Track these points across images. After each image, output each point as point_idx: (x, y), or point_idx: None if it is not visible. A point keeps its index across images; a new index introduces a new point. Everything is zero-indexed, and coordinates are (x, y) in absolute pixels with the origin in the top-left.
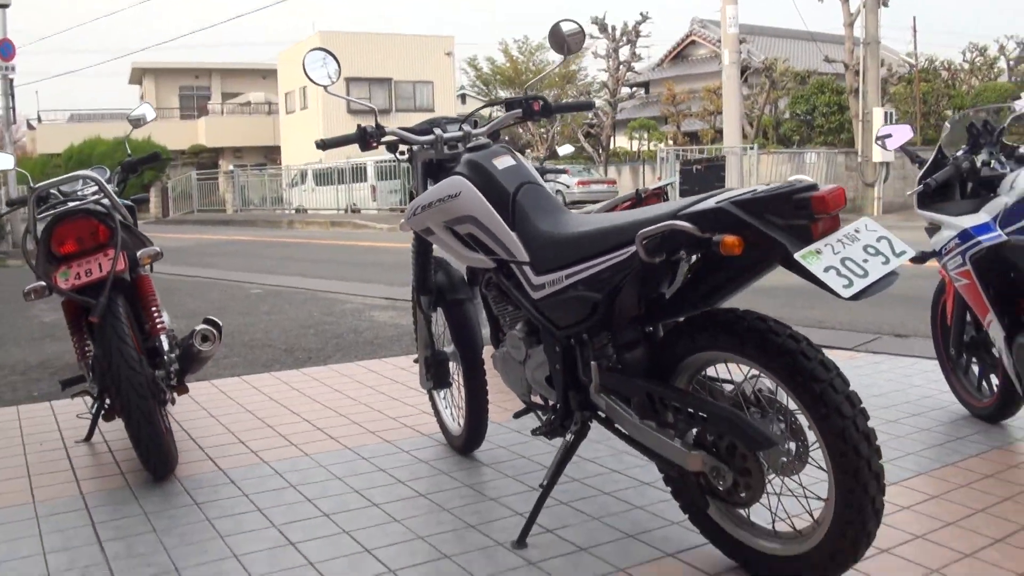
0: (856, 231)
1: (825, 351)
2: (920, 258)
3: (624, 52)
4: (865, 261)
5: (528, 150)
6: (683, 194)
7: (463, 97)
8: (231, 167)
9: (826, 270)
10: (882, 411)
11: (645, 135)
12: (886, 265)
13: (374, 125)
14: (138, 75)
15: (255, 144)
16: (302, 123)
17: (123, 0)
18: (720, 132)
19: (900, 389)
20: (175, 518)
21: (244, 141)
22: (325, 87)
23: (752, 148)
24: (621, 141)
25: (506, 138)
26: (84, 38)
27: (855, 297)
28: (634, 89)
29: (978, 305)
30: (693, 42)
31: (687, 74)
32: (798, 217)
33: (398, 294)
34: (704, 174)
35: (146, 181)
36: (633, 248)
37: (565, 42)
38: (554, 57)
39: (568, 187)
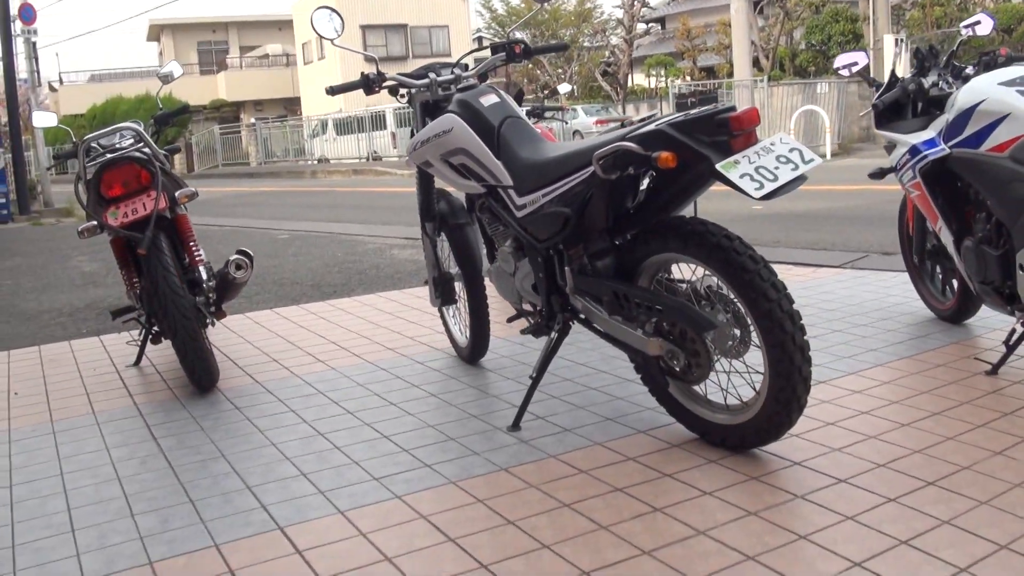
0: (771, 144)
1: (814, 268)
2: (878, 174)
3: None
4: (776, 168)
5: (520, 89)
6: None
7: (479, 40)
8: (252, 120)
9: (741, 176)
10: (857, 317)
11: (662, 72)
12: (795, 171)
13: (375, 72)
14: (155, 32)
15: (275, 96)
16: (320, 73)
17: None
18: None
19: (877, 299)
20: (219, 419)
21: (264, 94)
22: (332, 40)
23: (762, 81)
24: (639, 79)
25: (513, 83)
26: None
27: (765, 197)
28: (650, 25)
29: (929, 214)
30: None
31: (702, 7)
32: (720, 134)
33: (417, 234)
34: (698, 106)
35: (170, 138)
36: (592, 168)
37: None
38: None
39: (567, 124)
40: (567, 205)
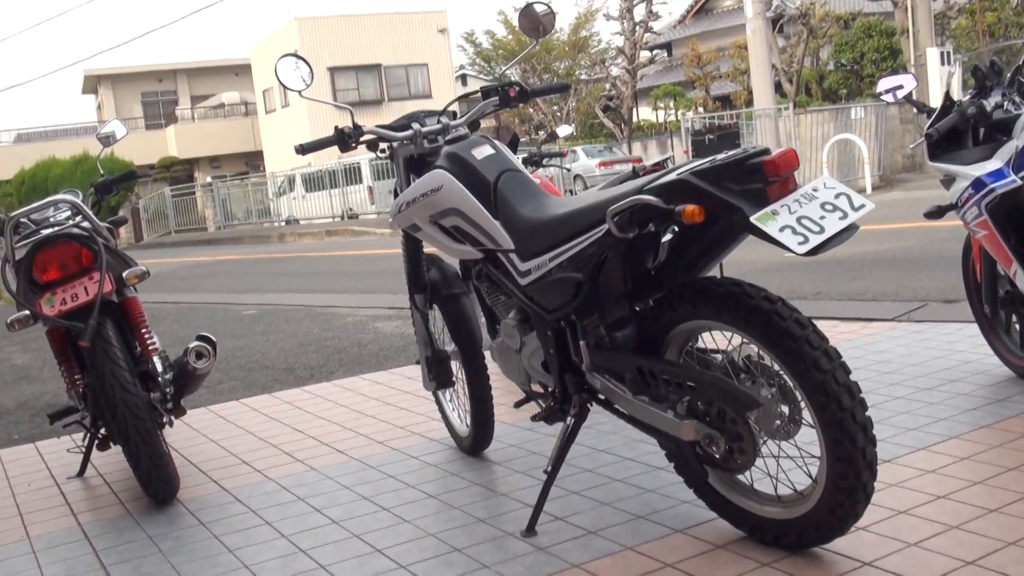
0: (814, 190)
1: (864, 323)
2: (935, 213)
3: (640, 11)
4: (822, 218)
5: (515, 135)
6: None
7: (463, 78)
8: (209, 179)
9: (781, 230)
10: (920, 380)
11: (671, 103)
12: (844, 220)
13: (351, 125)
14: (92, 84)
15: (234, 151)
16: (285, 123)
17: (70, 0)
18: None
19: (941, 356)
20: (181, 538)
21: (221, 148)
22: (300, 92)
23: (787, 108)
24: (645, 112)
25: (504, 125)
26: (27, 47)
27: (811, 252)
28: (655, 53)
29: (1001, 256)
30: None
31: (713, 29)
32: (753, 182)
33: (403, 302)
34: (717, 144)
35: (113, 205)
36: (606, 226)
37: (540, 23)
38: (560, 25)
39: (568, 169)
40: (578, 269)
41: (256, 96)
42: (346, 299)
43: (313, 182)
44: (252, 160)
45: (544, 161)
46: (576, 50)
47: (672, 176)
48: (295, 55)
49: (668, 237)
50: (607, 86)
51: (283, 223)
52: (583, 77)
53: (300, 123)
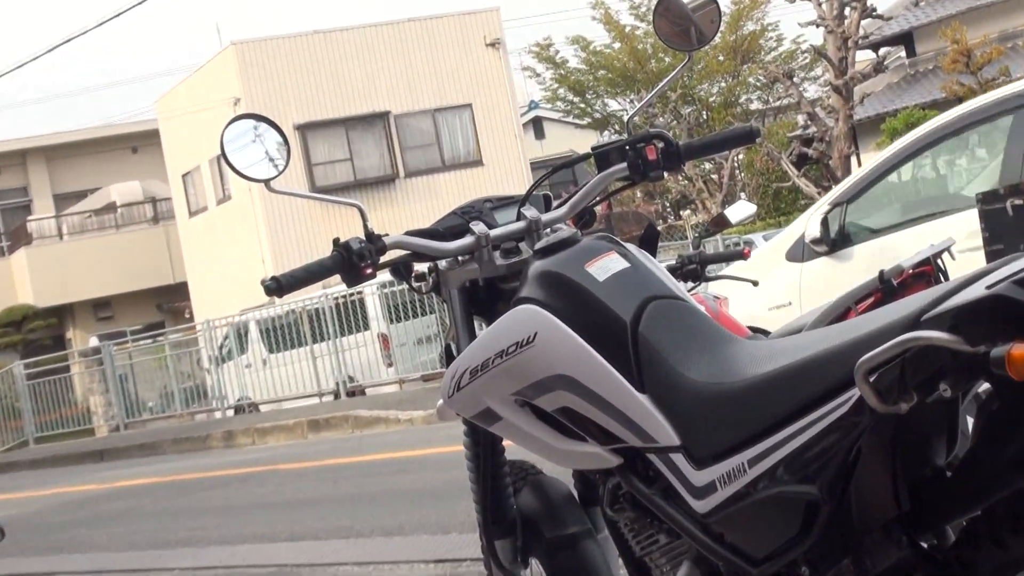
0: None
1: None
2: None
3: None
4: None
5: (651, 225)
6: (988, 258)
7: (537, 124)
8: (94, 340)
9: None
10: None
11: None
12: None
13: (363, 236)
14: None
15: (136, 287)
16: (224, 230)
17: None
18: None
19: None
20: None
21: (112, 285)
22: (268, 183)
23: None
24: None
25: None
26: None
27: None
28: (884, 53)
29: None
30: None
31: (985, 2)
32: None
33: (466, 550)
34: None
35: None
36: (855, 391)
37: (692, 24)
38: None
39: (756, 283)
40: (807, 478)
41: (172, 187)
42: (354, 547)
43: (280, 334)
44: (170, 301)
45: (708, 270)
46: (738, 58)
47: (978, 290)
48: (252, 116)
49: (974, 407)
50: (800, 119)
51: (230, 411)
52: (753, 106)
53: (252, 229)
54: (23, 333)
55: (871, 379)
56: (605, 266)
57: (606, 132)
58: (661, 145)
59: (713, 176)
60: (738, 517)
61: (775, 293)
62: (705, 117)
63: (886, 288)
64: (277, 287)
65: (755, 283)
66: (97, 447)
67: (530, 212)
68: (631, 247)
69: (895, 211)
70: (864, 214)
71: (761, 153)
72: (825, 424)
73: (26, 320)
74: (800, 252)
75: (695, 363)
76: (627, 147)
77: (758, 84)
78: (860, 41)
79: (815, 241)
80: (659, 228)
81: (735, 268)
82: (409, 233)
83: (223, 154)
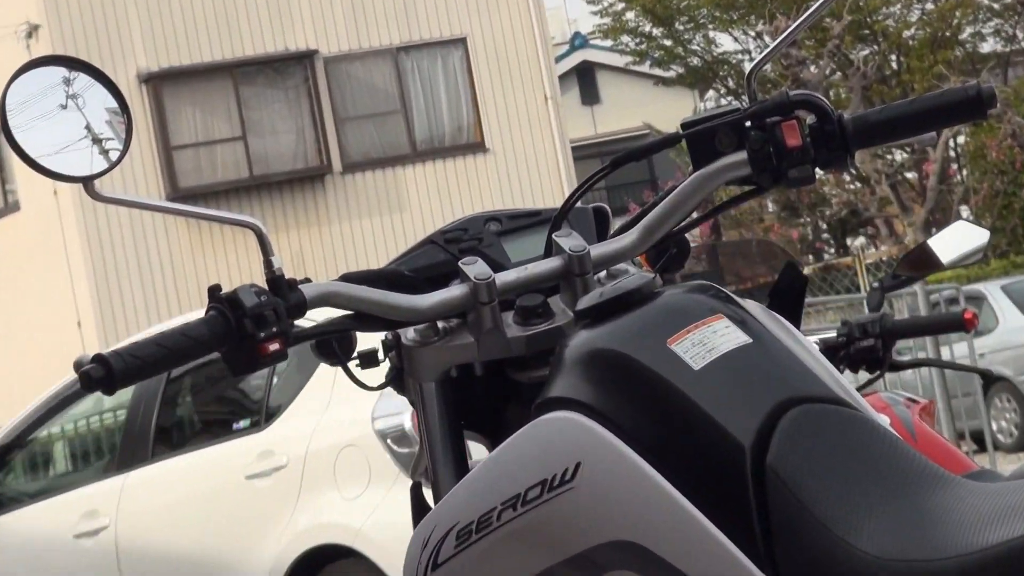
0: None
1: None
2: None
3: None
4: None
5: (791, 265)
6: None
7: (584, 75)
8: None
9: None
10: None
11: None
12: None
13: (266, 282)
14: None
15: None
16: (4, 262)
17: None
18: None
19: None
20: None
21: None
22: (88, 184)
23: None
24: None
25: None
26: None
27: None
28: None
29: None
30: None
31: None
32: None
33: None
34: None
35: None
36: None
37: None
38: None
39: (996, 377)
40: None
41: None
42: None
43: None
44: None
45: (898, 350)
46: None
47: None
48: (64, 60)
49: None
50: None
51: None
52: (985, 47)
53: (57, 262)
54: None
55: None
56: (706, 342)
57: (710, 93)
58: (811, 120)
59: (909, 175)
60: None
61: None
62: (896, 67)
63: None
64: (106, 377)
65: (989, 375)
66: None
67: (569, 240)
68: (754, 306)
69: None
70: None
71: (1000, 134)
72: None
73: None
74: None
75: (872, 524)
76: (748, 123)
77: (993, 8)
78: None
79: None
80: (806, 271)
81: (953, 347)
82: (349, 277)
83: (5, 129)
